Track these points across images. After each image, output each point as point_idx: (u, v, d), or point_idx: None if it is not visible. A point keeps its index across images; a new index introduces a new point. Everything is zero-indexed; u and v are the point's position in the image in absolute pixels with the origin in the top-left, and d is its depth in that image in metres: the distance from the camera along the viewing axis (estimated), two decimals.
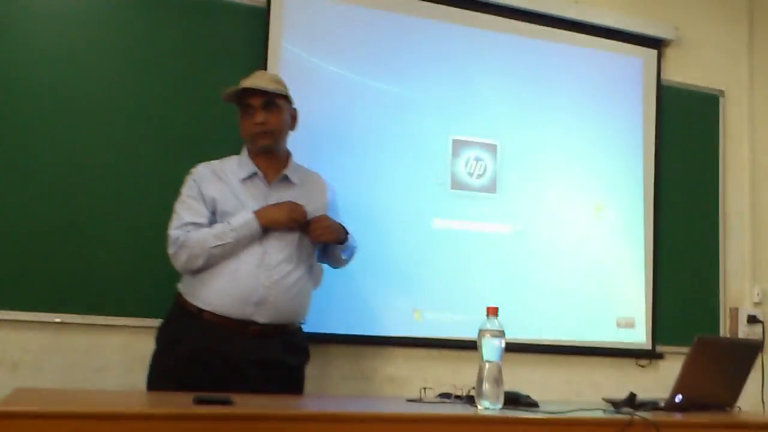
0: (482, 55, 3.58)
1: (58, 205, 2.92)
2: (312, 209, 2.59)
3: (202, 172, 2.55)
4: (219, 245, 2.42)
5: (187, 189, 2.54)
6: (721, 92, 4.05)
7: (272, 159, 2.60)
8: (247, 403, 1.81)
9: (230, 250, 2.43)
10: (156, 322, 2.87)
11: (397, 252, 3.32)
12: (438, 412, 1.92)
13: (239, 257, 2.45)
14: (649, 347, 3.70)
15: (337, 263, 2.79)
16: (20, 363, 2.85)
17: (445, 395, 2.35)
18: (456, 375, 3.16)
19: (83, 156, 2.97)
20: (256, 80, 2.56)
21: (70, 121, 2.96)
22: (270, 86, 2.54)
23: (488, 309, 2.02)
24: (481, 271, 3.44)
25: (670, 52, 3.96)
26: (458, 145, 3.49)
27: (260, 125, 2.52)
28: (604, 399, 2.35)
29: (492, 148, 3.54)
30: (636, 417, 1.95)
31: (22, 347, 2.86)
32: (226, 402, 1.76)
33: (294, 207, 2.51)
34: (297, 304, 2.55)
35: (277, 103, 2.56)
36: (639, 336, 3.69)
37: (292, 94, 3.21)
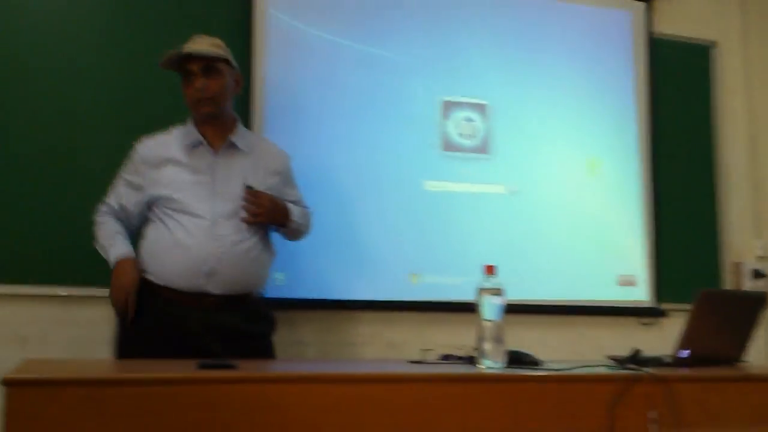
0: (469, 14, 3.52)
1: (60, 178, 2.91)
2: (261, 178, 2.53)
3: (145, 156, 2.49)
4: (102, 253, 2.50)
5: (125, 170, 2.53)
6: (714, 43, 4.00)
7: (218, 126, 2.52)
8: (249, 368, 1.80)
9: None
10: None
11: (391, 216, 3.29)
12: (441, 372, 1.90)
13: (186, 228, 2.40)
14: (652, 305, 3.68)
15: (286, 238, 2.71)
16: (28, 336, 2.86)
17: (447, 356, 2.33)
18: (457, 338, 3.11)
19: (82, 130, 2.96)
20: (194, 45, 2.46)
21: (61, 95, 2.95)
22: (209, 50, 2.45)
23: (486, 267, 1.99)
24: (477, 233, 3.41)
25: (659, 5, 3.90)
26: (448, 107, 3.44)
27: (200, 91, 2.44)
28: (608, 356, 2.33)
29: (482, 108, 3.49)
30: (642, 372, 1.93)
31: (29, 321, 2.87)
32: (228, 367, 1.75)
33: (123, 291, 2.40)
34: (251, 273, 2.48)
35: (217, 68, 2.47)
36: (641, 294, 3.67)
37: (282, 59, 3.19)
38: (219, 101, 2.48)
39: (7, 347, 2.81)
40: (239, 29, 3.12)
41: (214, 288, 2.40)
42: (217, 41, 2.54)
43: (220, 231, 2.41)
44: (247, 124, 3.06)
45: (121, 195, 2.51)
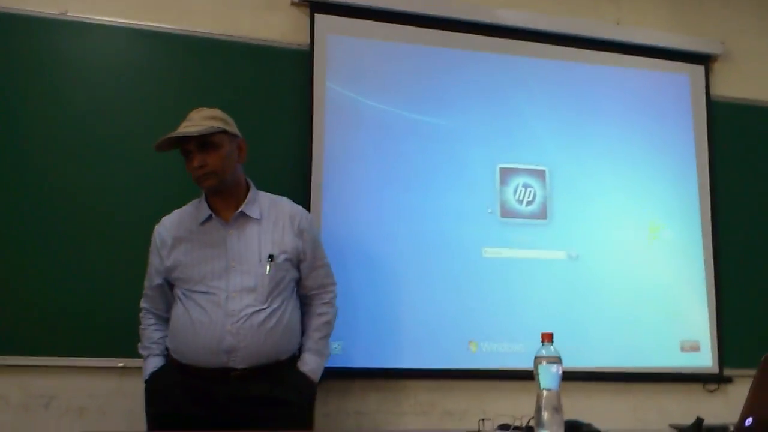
0: (526, 82, 3.57)
1: (116, 251, 2.97)
2: (274, 247, 2.47)
3: (162, 238, 2.52)
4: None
5: (150, 256, 2.57)
6: None
7: (226, 197, 2.49)
8: None
9: None
10: None
11: (450, 283, 3.30)
12: None
13: (202, 306, 2.40)
14: (716, 371, 3.58)
15: None
16: (86, 408, 2.90)
17: (504, 426, 2.31)
18: (515, 406, 3.06)
19: (130, 198, 3.03)
20: (185, 124, 2.44)
21: (117, 163, 3.03)
22: (200, 128, 2.40)
23: (543, 335, 1.98)
24: (536, 300, 3.39)
25: (717, 67, 3.90)
26: (506, 173, 3.47)
27: (198, 168, 2.41)
28: (670, 425, 2.27)
29: (540, 174, 3.51)
30: None
31: (87, 393, 2.92)
32: None
33: None
34: (274, 343, 2.42)
35: (213, 142, 2.41)
36: (705, 360, 3.58)
37: (340, 131, 3.26)
38: (220, 174, 2.43)
39: (65, 419, 2.86)
40: (301, 104, 3.23)
41: (237, 363, 2.37)
42: (215, 112, 2.48)
43: (233, 306, 2.38)
44: (306, 195, 3.15)
45: (150, 281, 2.56)
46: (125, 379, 2.93)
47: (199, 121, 2.43)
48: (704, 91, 3.83)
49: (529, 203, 3.48)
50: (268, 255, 2.45)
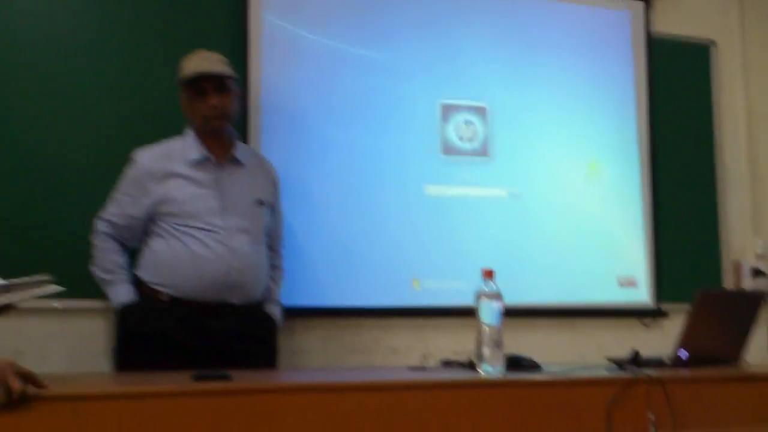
0: (467, 16, 3.52)
1: (55, 187, 2.89)
2: (260, 193, 2.63)
3: (149, 169, 2.51)
4: (97, 277, 2.55)
5: (126, 184, 2.54)
6: (713, 42, 4.00)
7: (221, 140, 2.59)
8: (245, 378, 1.80)
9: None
10: None
11: (392, 221, 3.29)
12: (438, 378, 1.91)
13: (203, 241, 2.46)
14: (653, 306, 3.68)
15: None
16: (24, 351, 2.83)
17: (447, 362, 2.34)
18: (458, 342, 3.14)
19: (70, 141, 2.93)
20: (208, 64, 2.53)
21: (44, 101, 2.92)
22: (223, 69, 2.54)
23: (484, 272, 2.00)
24: (477, 237, 3.41)
25: (658, 4, 3.90)
26: (447, 110, 3.45)
27: (215, 108, 2.52)
28: (607, 358, 2.34)
29: (482, 111, 3.50)
30: (640, 374, 1.93)
31: (25, 335, 2.85)
32: (224, 377, 1.75)
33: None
34: (262, 283, 2.60)
35: (227, 85, 2.56)
36: (642, 295, 3.67)
37: (276, 65, 3.20)
38: (230, 117, 2.58)
39: None
40: (234, 34, 3.13)
41: (235, 299, 2.48)
42: (223, 57, 2.61)
43: (235, 244, 2.49)
44: (245, 131, 3.09)
45: (124, 209, 2.53)
46: (63, 320, 2.89)
47: (216, 62, 2.55)
48: (644, 27, 3.83)
49: (470, 140, 3.48)
50: (257, 199, 2.61)
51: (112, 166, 2.89)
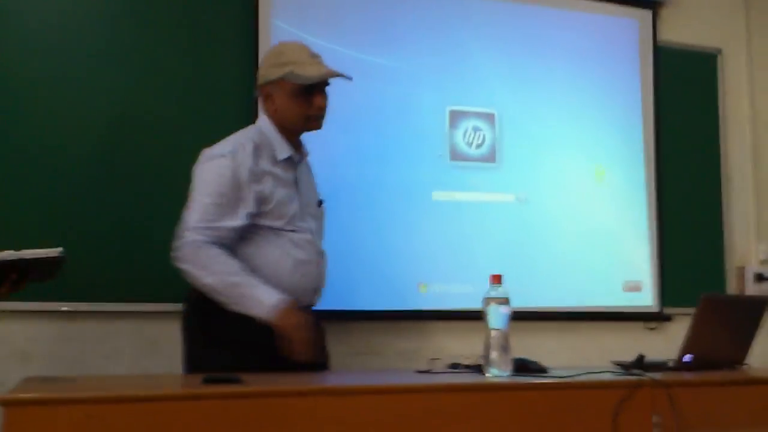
0: (476, 23, 3.54)
1: (58, 191, 2.91)
2: (317, 194, 2.58)
3: (248, 166, 2.29)
4: (222, 292, 2.22)
5: (222, 186, 2.27)
6: (719, 51, 4.02)
7: (299, 139, 2.49)
8: (256, 382, 1.82)
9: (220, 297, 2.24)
10: (166, 306, 2.89)
11: (399, 226, 3.31)
12: (446, 382, 1.93)
13: (300, 245, 2.36)
14: (657, 310, 3.70)
15: None
16: (31, 353, 2.85)
17: (454, 365, 2.36)
18: (465, 346, 3.14)
19: (78, 142, 2.95)
20: (326, 67, 2.42)
21: (54, 104, 2.93)
22: (344, 73, 2.45)
23: (492, 277, 2.02)
24: (485, 242, 3.44)
25: (665, 12, 3.93)
26: (455, 116, 3.47)
27: (321, 110, 2.41)
28: (613, 362, 2.36)
29: (490, 118, 3.53)
30: (645, 378, 1.95)
31: (31, 338, 2.86)
32: (235, 381, 1.77)
33: (308, 340, 2.22)
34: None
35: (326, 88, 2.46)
36: (646, 299, 3.69)
37: None
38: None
39: (9, 364, 2.79)
40: (244, 41, 3.16)
41: (315, 301, 2.46)
42: None
43: (319, 247, 2.47)
44: None
45: (235, 214, 2.28)
46: (70, 323, 2.90)
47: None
48: (651, 36, 3.86)
49: (478, 146, 3.50)
50: (319, 200, 2.56)
51: (119, 164, 2.93)
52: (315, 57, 2.43)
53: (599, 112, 3.72)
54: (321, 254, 2.46)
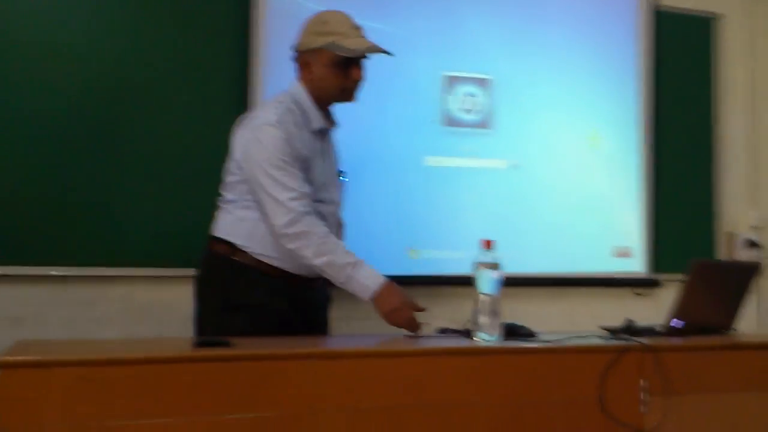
0: None
1: (49, 157, 2.90)
2: (335, 159, 2.56)
3: (292, 131, 2.28)
4: (328, 272, 2.23)
5: (283, 153, 2.24)
6: (717, 15, 3.99)
7: (329, 110, 2.48)
8: (246, 345, 1.83)
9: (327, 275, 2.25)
10: (156, 271, 2.89)
11: (391, 191, 3.31)
12: (436, 346, 1.94)
13: (322, 215, 2.33)
14: (647, 276, 3.72)
15: None
16: (22, 317, 2.86)
17: (444, 330, 2.37)
18: (455, 312, 3.16)
19: (72, 104, 2.94)
20: (370, 42, 2.40)
21: (52, 65, 2.92)
22: (385, 49, 2.42)
23: (483, 242, 2.03)
24: (476, 207, 3.44)
25: None
26: (450, 81, 3.45)
27: (356, 82, 2.39)
28: (601, 327, 2.37)
29: (485, 83, 3.51)
30: (633, 342, 1.97)
31: (23, 301, 2.87)
32: (224, 344, 1.78)
33: (412, 320, 2.23)
34: None
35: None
36: (636, 265, 3.71)
37: (279, 35, 3.19)
38: None
39: (1, 328, 2.80)
40: (237, 4, 3.14)
41: None
42: None
43: (339, 217, 2.48)
44: (246, 99, 3.11)
45: (297, 175, 2.26)
46: (61, 287, 2.91)
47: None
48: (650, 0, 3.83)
49: (472, 112, 3.49)
50: (339, 170, 2.55)
51: (107, 141, 2.93)
52: (357, 29, 2.40)
53: (595, 77, 3.69)
54: (341, 225, 2.49)
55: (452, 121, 3.45)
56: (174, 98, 3.05)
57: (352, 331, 3.15)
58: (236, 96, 3.11)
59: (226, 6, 3.15)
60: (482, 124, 3.49)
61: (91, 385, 1.58)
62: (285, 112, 2.30)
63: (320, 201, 2.36)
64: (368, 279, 2.22)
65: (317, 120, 2.39)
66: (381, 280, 2.23)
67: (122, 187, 2.97)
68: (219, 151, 3.09)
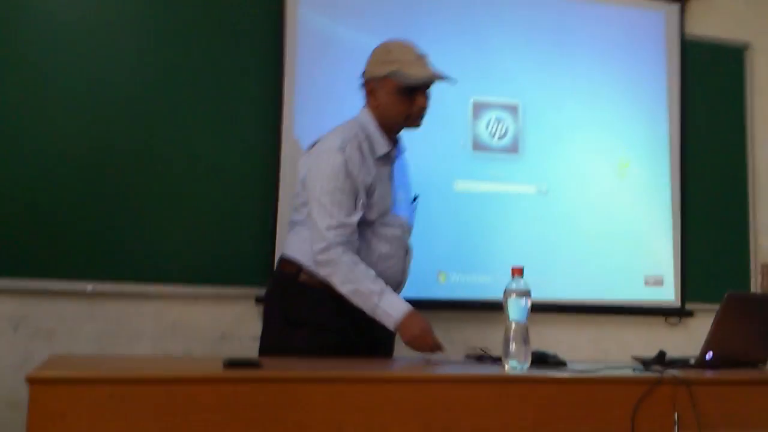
0: (500, 14, 3.54)
1: (84, 172, 2.94)
2: (407, 183, 2.59)
3: (356, 158, 2.32)
4: (355, 300, 2.25)
5: (338, 180, 2.29)
6: (747, 44, 3.97)
7: (396, 136, 2.52)
8: (275, 366, 1.83)
9: (355, 303, 2.27)
10: (186, 289, 2.91)
11: (421, 215, 3.27)
12: (464, 373, 1.93)
13: (387, 239, 2.40)
14: (679, 305, 3.67)
15: None
16: (55, 332, 2.90)
17: (473, 356, 2.36)
18: (483, 336, 3.16)
19: (110, 127, 2.99)
20: (433, 70, 2.44)
21: (90, 89, 2.98)
22: (449, 76, 2.47)
23: (513, 269, 2.01)
24: (505, 232, 3.43)
25: (693, 5, 3.88)
26: (479, 107, 3.46)
27: (422, 110, 2.43)
28: (633, 357, 2.34)
29: (513, 109, 3.51)
30: (666, 375, 1.94)
31: (56, 316, 2.91)
32: (254, 365, 1.78)
33: (430, 341, 2.28)
34: None
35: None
36: (668, 294, 3.67)
37: (312, 62, 3.22)
38: None
39: (34, 342, 2.86)
40: (271, 31, 3.18)
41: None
42: None
43: (407, 242, 2.49)
44: (279, 124, 3.15)
45: (344, 204, 2.29)
46: (94, 302, 2.94)
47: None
48: (678, 29, 3.82)
49: (501, 137, 3.49)
50: (413, 196, 2.59)
51: (141, 160, 2.97)
52: (421, 58, 2.44)
53: (624, 105, 3.69)
54: (407, 250, 2.49)
55: (481, 146, 3.45)
56: (207, 119, 3.09)
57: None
58: (267, 117, 3.17)
59: (259, 32, 3.20)
60: (511, 149, 3.49)
61: (120, 403, 1.58)
62: (351, 138, 2.35)
63: (385, 225, 2.40)
64: (392, 308, 2.25)
65: (382, 146, 2.42)
66: (404, 308, 2.27)
67: (156, 204, 3.01)
68: (251, 172, 3.15)
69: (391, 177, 2.47)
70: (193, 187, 3.05)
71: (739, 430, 1.99)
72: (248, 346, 2.98)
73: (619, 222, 3.61)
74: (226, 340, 3.06)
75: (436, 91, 3.32)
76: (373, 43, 3.27)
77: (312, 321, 2.31)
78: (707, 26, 3.91)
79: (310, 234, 2.32)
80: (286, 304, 2.38)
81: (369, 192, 2.35)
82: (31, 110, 2.90)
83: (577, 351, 3.19)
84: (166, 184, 3.02)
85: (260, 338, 2.44)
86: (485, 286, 3.32)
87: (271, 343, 2.37)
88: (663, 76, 3.77)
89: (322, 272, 2.28)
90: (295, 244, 2.41)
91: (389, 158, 2.46)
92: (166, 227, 3.00)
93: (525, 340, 1.97)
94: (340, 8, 3.29)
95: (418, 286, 3.25)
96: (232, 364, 1.78)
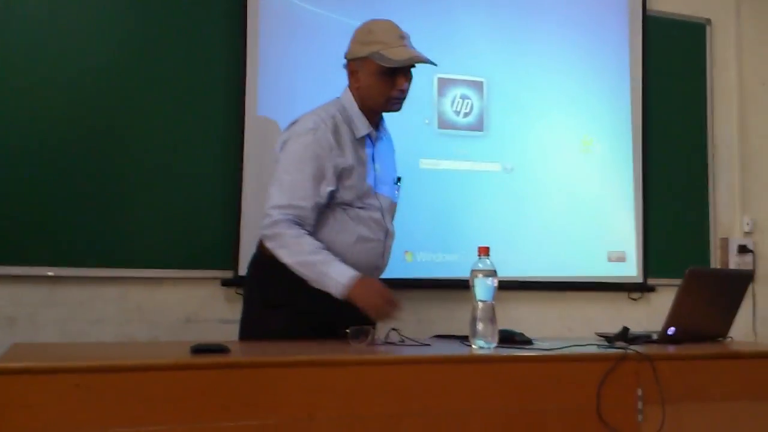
0: None
1: (45, 157, 2.90)
2: (396, 171, 2.56)
3: (330, 141, 2.30)
4: (301, 272, 2.23)
5: (302, 162, 2.28)
6: (708, 21, 4.01)
7: (378, 117, 2.49)
8: (244, 351, 1.82)
9: (302, 275, 2.25)
10: (150, 272, 2.88)
11: None
12: (432, 354, 1.94)
13: (365, 222, 2.37)
14: (641, 280, 3.73)
15: None
16: (16, 318, 2.86)
17: (441, 336, 2.37)
18: (450, 315, 3.18)
19: (69, 112, 2.94)
20: (417, 52, 2.40)
21: (51, 73, 2.93)
22: (429, 59, 2.42)
23: (480, 249, 2.02)
24: (471, 211, 3.45)
25: None
26: (444, 83, 3.45)
27: (403, 92, 2.41)
28: (597, 334, 2.38)
29: (478, 86, 3.51)
30: (630, 351, 1.97)
31: (17, 302, 2.87)
32: (223, 350, 1.77)
33: (389, 303, 2.25)
34: None
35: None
36: (630, 269, 3.72)
37: (274, 37, 3.19)
38: None
39: None
40: (232, 6, 3.14)
41: (375, 276, 2.41)
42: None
43: (388, 224, 2.45)
44: (242, 102, 3.12)
45: (319, 192, 2.29)
46: (56, 287, 2.91)
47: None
48: (641, 5, 3.84)
49: (466, 115, 3.49)
50: (396, 178, 2.55)
51: (105, 145, 2.93)
52: (402, 39, 2.40)
53: (587, 82, 3.71)
54: (387, 233, 2.45)
55: (446, 124, 3.45)
56: (168, 101, 3.06)
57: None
58: (232, 98, 3.14)
59: (222, 9, 3.15)
60: (476, 127, 3.50)
61: (87, 392, 1.56)
62: (326, 119, 2.33)
63: (362, 207, 2.37)
64: (340, 274, 2.22)
65: (363, 127, 2.40)
66: (353, 273, 2.23)
67: (118, 189, 2.97)
68: (214, 153, 3.12)
69: (373, 159, 2.44)
70: (156, 170, 3.01)
71: (702, 403, 2.04)
72: (214, 329, 2.97)
73: (583, 199, 3.65)
74: (192, 323, 3.04)
75: None
76: (338, 19, 3.27)
77: (290, 303, 2.29)
78: (669, 2, 3.94)
79: None
80: (264, 286, 2.37)
81: (345, 174, 2.33)
82: None
83: (543, 328, 3.23)
84: (128, 168, 2.98)
85: (240, 321, 2.42)
86: (452, 264, 3.33)
87: (250, 326, 2.36)
88: (626, 52, 3.80)
89: (269, 245, 2.27)
90: None
91: (370, 140, 2.44)
92: (128, 211, 2.97)
93: (492, 319, 1.99)
94: None
95: None
96: (199, 350, 1.77)
